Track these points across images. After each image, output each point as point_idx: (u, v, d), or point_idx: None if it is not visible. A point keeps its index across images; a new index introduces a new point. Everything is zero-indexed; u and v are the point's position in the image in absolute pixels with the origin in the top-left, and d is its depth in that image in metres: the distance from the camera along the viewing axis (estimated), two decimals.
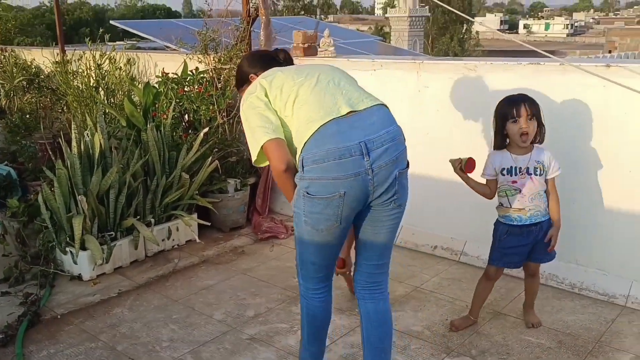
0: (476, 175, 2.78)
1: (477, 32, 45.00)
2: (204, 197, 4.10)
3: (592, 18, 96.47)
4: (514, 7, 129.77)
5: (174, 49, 5.51)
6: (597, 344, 2.72)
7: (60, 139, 3.88)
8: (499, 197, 2.71)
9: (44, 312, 3.13)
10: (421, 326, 2.93)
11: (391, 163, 2.00)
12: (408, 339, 2.82)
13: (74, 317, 3.09)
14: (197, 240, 4.02)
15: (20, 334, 2.86)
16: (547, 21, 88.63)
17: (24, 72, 6.14)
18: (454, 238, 3.77)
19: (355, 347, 2.77)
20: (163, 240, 3.90)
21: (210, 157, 4.06)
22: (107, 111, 4.74)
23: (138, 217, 3.73)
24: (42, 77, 6.17)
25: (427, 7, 26.39)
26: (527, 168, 2.60)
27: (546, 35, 77.00)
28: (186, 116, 4.43)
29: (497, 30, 79.39)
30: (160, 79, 4.49)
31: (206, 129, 4.09)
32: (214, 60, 4.50)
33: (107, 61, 5.34)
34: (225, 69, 4.47)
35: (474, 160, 2.67)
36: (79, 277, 3.50)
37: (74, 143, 3.65)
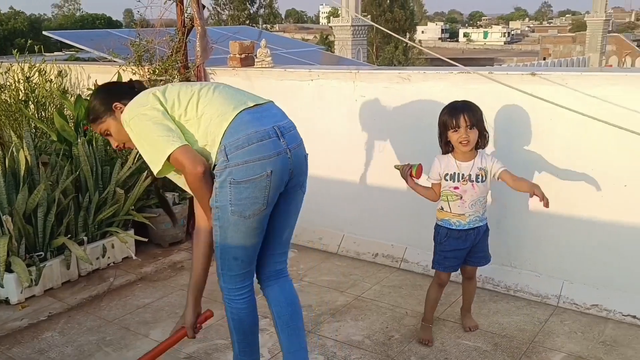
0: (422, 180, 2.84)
1: (419, 41, 46.05)
2: (140, 213, 3.99)
3: (528, 26, 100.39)
4: (454, 16, 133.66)
5: (111, 60, 5.35)
6: (531, 345, 2.79)
7: None
8: (440, 200, 2.75)
9: None
10: (362, 335, 2.93)
11: (299, 146, 2.22)
12: (349, 349, 2.82)
13: None
14: (134, 257, 3.90)
15: None
16: (486, 30, 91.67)
17: None
18: (394, 245, 3.80)
19: None
20: (97, 258, 3.76)
21: (146, 171, 3.95)
22: (37, 126, 4.55)
23: (70, 235, 3.58)
24: None
25: (369, 16, 26.81)
26: (470, 175, 2.64)
27: (485, 44, 79.60)
28: None
29: (438, 38, 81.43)
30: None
31: None
32: (148, 71, 4.40)
33: (37, 73, 5.13)
34: (161, 80, 4.37)
35: (422, 167, 2.75)
36: (6, 301, 3.32)
37: None
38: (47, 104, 5.04)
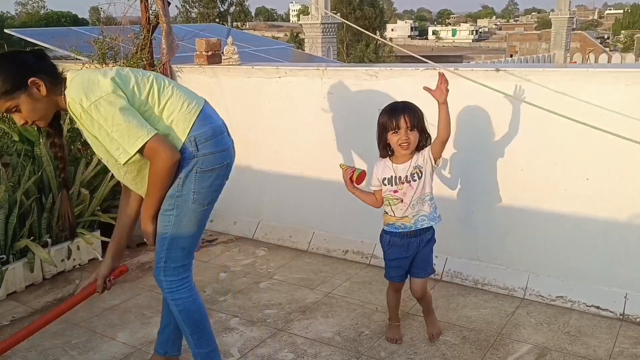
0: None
1: (390, 39, 46.31)
2: (106, 213, 3.91)
3: (495, 24, 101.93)
4: (423, 14, 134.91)
5: (74, 58, 5.24)
6: (498, 337, 2.84)
7: None
8: (384, 205, 2.67)
9: None
10: (332, 332, 2.93)
11: (233, 142, 2.35)
12: (319, 346, 2.81)
13: None
14: (101, 259, 3.81)
15: None
16: (454, 28, 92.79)
17: None
18: (364, 241, 3.82)
19: (265, 358, 2.72)
20: (62, 260, 3.68)
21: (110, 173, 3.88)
22: None
23: (33, 237, 3.50)
24: None
25: (338, 14, 26.89)
26: (406, 176, 2.55)
27: (453, 41, 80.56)
28: None
29: (408, 36, 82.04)
30: None
31: None
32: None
33: None
34: None
35: (366, 174, 2.66)
36: None
37: None
38: None
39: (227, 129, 2.32)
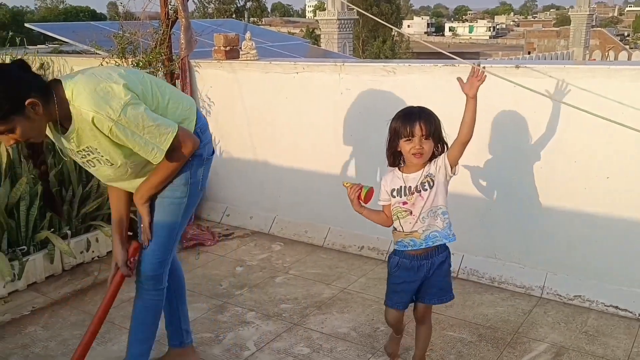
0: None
1: (407, 36, 45.98)
2: None
3: (513, 21, 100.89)
4: (439, 10, 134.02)
5: (94, 53, 5.29)
6: (515, 335, 2.82)
7: None
8: (393, 221, 2.37)
9: None
10: (347, 328, 2.94)
11: None
12: (334, 341, 2.82)
13: None
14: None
15: None
16: (471, 24, 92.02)
17: None
18: (380, 238, 3.81)
19: (281, 352, 2.74)
20: (82, 252, 3.73)
21: None
22: None
23: (53, 229, 3.55)
24: None
25: (354, 10, 26.79)
26: (417, 186, 2.26)
27: (470, 38, 79.92)
28: None
29: (424, 33, 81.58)
30: None
31: None
32: (132, 64, 4.35)
33: None
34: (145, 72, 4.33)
35: (373, 190, 2.36)
36: None
37: None
38: None
39: None
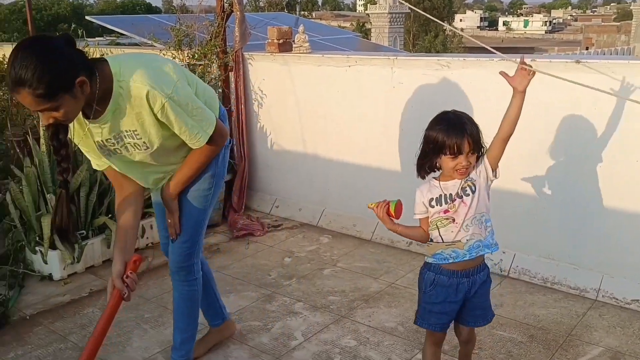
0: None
1: (461, 29, 45.17)
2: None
3: (570, 15, 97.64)
4: (493, 4, 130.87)
5: (151, 45, 5.44)
6: (567, 338, 2.75)
7: (28, 137, 3.81)
8: (430, 233, 2.13)
9: (13, 313, 3.07)
10: (395, 322, 2.93)
11: None
12: (381, 335, 2.82)
13: (43, 318, 3.04)
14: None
15: None
16: (526, 18, 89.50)
17: None
18: None
19: (328, 344, 2.76)
20: (137, 238, 3.84)
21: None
22: None
23: (110, 215, 3.68)
24: None
25: (406, 4, 26.55)
26: (457, 192, 2.04)
27: (525, 32, 77.74)
28: None
29: (477, 27, 79.86)
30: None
31: None
32: (188, 56, 4.45)
33: None
34: (200, 65, 4.42)
35: (402, 203, 2.13)
36: (50, 277, 3.44)
37: (42, 140, 3.58)
38: None
39: None
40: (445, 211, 2.06)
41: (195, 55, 4.43)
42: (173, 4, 5.62)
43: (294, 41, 4.40)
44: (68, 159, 1.95)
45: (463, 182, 2.03)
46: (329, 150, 4.25)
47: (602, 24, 50.36)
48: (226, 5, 4.40)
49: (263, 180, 4.69)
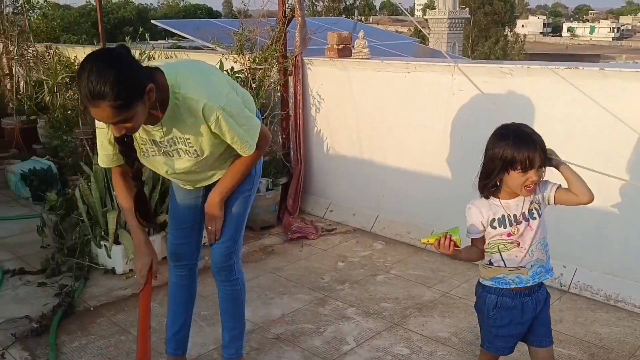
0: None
1: (524, 35, 43.99)
2: None
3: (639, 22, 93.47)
4: (558, 9, 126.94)
5: (212, 48, 5.59)
6: (631, 358, 2.64)
7: None
8: (487, 253, 2.02)
9: (78, 303, 3.22)
10: (449, 332, 2.90)
11: None
12: (435, 345, 2.79)
13: (106, 310, 3.17)
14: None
15: (54, 325, 2.95)
16: (592, 24, 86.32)
17: (67, 69, 6.31)
18: None
19: (380, 351, 2.75)
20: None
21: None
22: None
23: None
24: None
25: (467, 9, 26.08)
26: (523, 213, 1.95)
27: (591, 39, 74.98)
28: None
29: (540, 33, 77.64)
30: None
31: None
32: (249, 60, 4.54)
33: (147, 59, 5.45)
34: (260, 69, 4.51)
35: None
36: (113, 271, 3.58)
37: None
38: None
39: None
40: (509, 234, 1.96)
41: (256, 59, 4.51)
42: (233, 9, 5.74)
43: (353, 47, 4.42)
44: (133, 151, 2.03)
45: (529, 203, 1.95)
46: (385, 156, 4.24)
47: None
48: (288, 10, 4.46)
49: (318, 184, 4.72)
